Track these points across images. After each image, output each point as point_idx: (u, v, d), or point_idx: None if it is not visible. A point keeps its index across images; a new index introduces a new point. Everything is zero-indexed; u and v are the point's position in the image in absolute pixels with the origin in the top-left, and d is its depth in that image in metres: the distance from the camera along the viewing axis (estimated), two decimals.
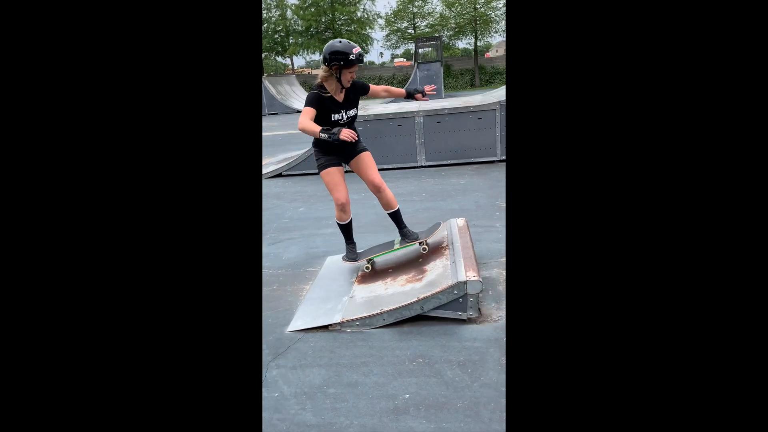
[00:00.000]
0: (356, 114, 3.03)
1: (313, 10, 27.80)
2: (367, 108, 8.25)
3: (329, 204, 5.22)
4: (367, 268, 3.21)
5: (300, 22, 28.63)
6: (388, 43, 32.41)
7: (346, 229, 3.24)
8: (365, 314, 2.57)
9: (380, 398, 1.95)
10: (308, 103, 2.87)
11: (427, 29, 29.45)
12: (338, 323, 2.56)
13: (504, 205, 4.55)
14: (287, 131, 13.26)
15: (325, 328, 2.56)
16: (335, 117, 2.90)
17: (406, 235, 3.19)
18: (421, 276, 2.84)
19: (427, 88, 3.19)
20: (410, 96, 3.18)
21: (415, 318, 2.53)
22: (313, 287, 3.11)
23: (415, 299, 2.52)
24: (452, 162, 6.73)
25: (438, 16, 29.51)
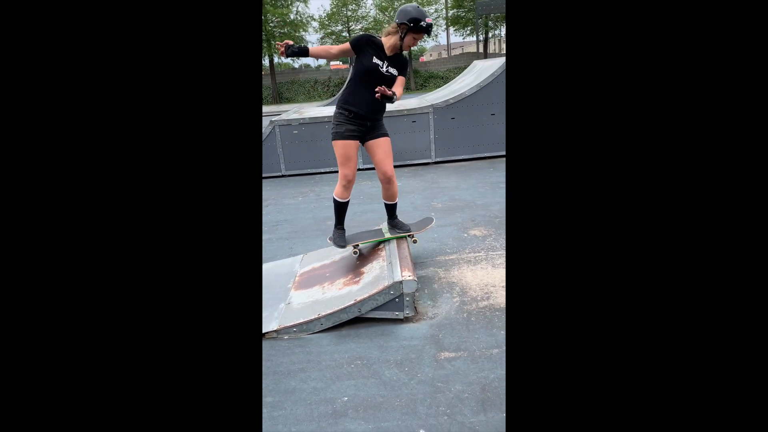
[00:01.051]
0: (393, 79, 2.80)
1: None
2: (302, 111, 8.16)
3: (265, 210, 5.12)
4: (354, 253, 3.16)
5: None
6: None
7: (341, 209, 3.05)
8: (303, 320, 2.54)
9: (318, 403, 1.94)
10: (351, 39, 2.76)
11: (361, 32, 29.60)
12: (275, 330, 2.52)
13: (439, 205, 4.68)
14: None
15: (262, 336, 2.51)
16: (377, 61, 2.72)
17: (396, 225, 3.16)
18: (358, 278, 2.86)
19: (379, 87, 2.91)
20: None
21: (353, 321, 2.54)
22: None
23: (353, 302, 2.53)
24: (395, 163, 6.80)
25: (372, 20, 29.76)
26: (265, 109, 21.24)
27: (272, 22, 28.01)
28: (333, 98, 21.59)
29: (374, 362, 2.19)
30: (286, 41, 2.68)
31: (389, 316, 2.54)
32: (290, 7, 28.42)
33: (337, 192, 3.01)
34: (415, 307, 2.60)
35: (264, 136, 6.64)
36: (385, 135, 2.98)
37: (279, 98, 27.94)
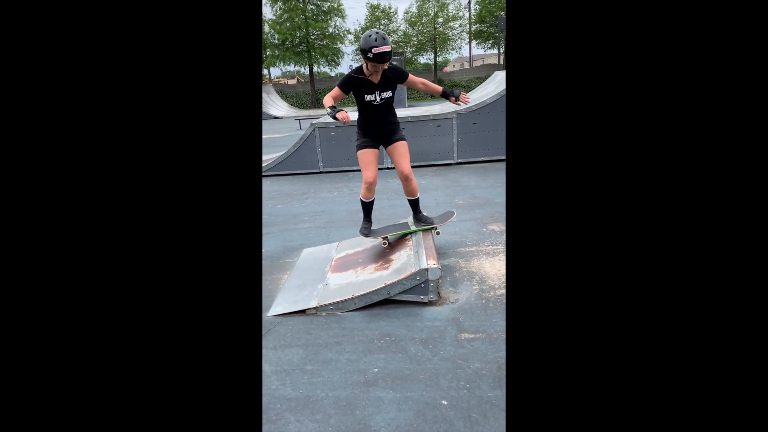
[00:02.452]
0: (391, 96, 2.87)
1: (288, 25, 27.32)
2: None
3: (305, 202, 5.19)
4: (384, 243, 3.19)
5: (276, 36, 28.10)
6: (357, 57, 32.29)
7: (367, 207, 3.17)
8: (338, 299, 2.58)
9: (352, 373, 1.97)
10: (338, 84, 2.83)
11: (392, 45, 29.49)
12: (314, 308, 2.56)
13: (460, 202, 4.64)
14: (265, 135, 13.02)
15: (303, 312, 2.56)
16: (369, 98, 2.81)
17: (421, 219, 3.20)
18: (387, 265, 2.88)
19: (463, 96, 2.98)
20: (445, 96, 2.96)
21: (382, 302, 2.56)
22: (291, 276, 3.10)
23: (383, 285, 2.56)
24: (414, 164, 6.78)
25: (402, 33, 29.60)
26: (304, 113, 21.44)
27: (313, 34, 28.16)
28: None
29: (401, 339, 2.21)
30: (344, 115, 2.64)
31: (415, 299, 2.55)
32: (329, 21, 28.50)
33: (362, 193, 3.12)
34: (439, 293, 2.60)
35: (305, 137, 6.72)
36: (401, 139, 3.03)
37: (317, 103, 28.14)
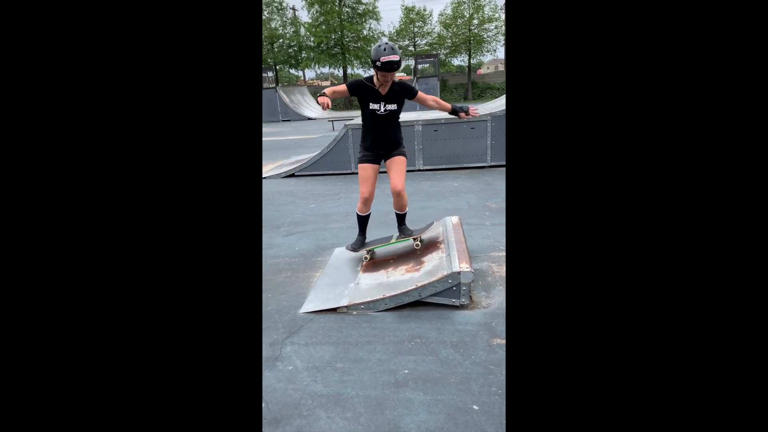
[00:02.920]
0: (396, 110, 2.89)
1: (324, 27, 27.75)
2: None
3: (337, 202, 5.25)
4: (365, 258, 3.22)
5: (312, 38, 28.59)
6: None
7: (362, 222, 3.21)
8: (369, 299, 2.59)
9: (382, 373, 1.97)
10: (347, 83, 2.87)
11: (426, 47, 29.41)
12: (345, 306, 2.58)
13: (493, 205, 4.57)
14: (299, 136, 13.26)
15: (334, 310, 2.58)
16: (373, 106, 2.83)
17: (403, 231, 3.24)
18: (419, 267, 2.86)
19: (472, 110, 3.04)
20: (455, 113, 3.02)
21: (413, 303, 2.55)
22: (323, 275, 3.13)
23: (414, 287, 2.55)
24: (447, 167, 6.74)
25: (436, 35, 29.48)
26: (338, 114, 21.70)
27: (348, 37, 28.48)
28: None
29: (432, 342, 2.19)
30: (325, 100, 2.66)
31: (447, 302, 2.53)
32: (364, 24, 28.75)
33: (358, 207, 3.14)
34: (471, 296, 2.57)
35: (338, 138, 6.79)
36: (401, 155, 3.05)
37: (350, 104, 28.40)
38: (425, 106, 3.02)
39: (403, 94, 2.87)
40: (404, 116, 7.70)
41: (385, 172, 3.09)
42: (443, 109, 3.05)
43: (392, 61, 2.63)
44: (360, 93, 2.82)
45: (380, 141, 2.97)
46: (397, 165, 3.02)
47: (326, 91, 2.75)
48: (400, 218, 3.23)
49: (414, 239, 3.20)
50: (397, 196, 3.06)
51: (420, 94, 2.95)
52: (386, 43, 2.68)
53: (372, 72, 2.81)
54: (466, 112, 3.02)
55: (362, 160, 3.02)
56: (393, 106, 2.86)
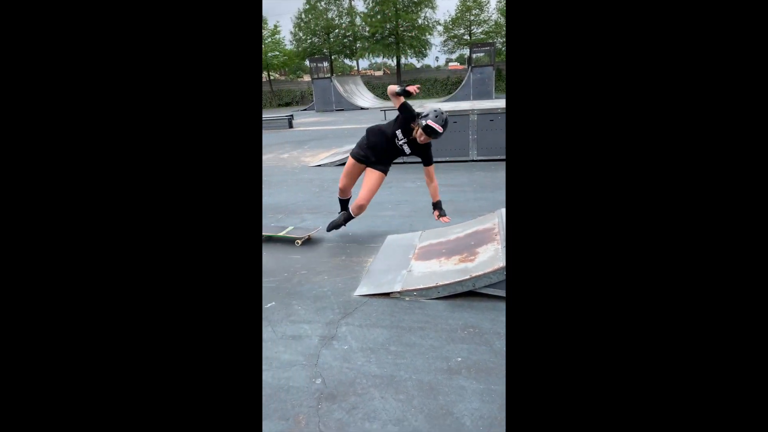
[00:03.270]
0: (405, 153, 3.22)
1: (379, 17, 27.72)
2: (426, 106, 8.17)
3: (389, 190, 5.28)
4: (297, 243, 3.58)
5: (367, 28, 28.66)
6: (445, 48, 31.83)
7: (342, 203, 3.65)
8: (422, 286, 2.60)
9: (435, 359, 1.98)
10: (405, 102, 3.14)
11: (482, 36, 28.60)
12: (398, 292, 2.61)
13: None
14: (352, 125, 13.43)
15: (387, 295, 2.62)
16: (399, 135, 3.18)
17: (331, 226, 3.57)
18: (473, 257, 2.83)
19: (441, 218, 3.25)
20: (434, 206, 3.26)
21: (466, 293, 2.53)
22: (375, 260, 3.18)
23: (468, 277, 2.52)
24: (501, 158, 6.56)
25: (493, 24, 28.55)
26: (389, 103, 21.64)
27: (402, 26, 28.26)
28: (451, 95, 21.29)
29: (486, 332, 2.17)
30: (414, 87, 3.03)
31: (501, 294, 2.48)
32: (419, 12, 28.39)
33: (338, 192, 3.59)
34: None
35: None
36: (382, 171, 3.33)
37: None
38: (425, 175, 3.27)
39: (421, 153, 3.17)
40: (458, 105, 7.52)
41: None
42: (431, 193, 3.26)
43: (434, 129, 2.98)
44: (406, 118, 3.11)
45: (379, 153, 3.29)
46: (372, 178, 3.30)
47: (390, 88, 3.10)
48: (348, 217, 3.50)
49: (297, 240, 3.56)
50: (358, 208, 3.34)
51: (430, 167, 3.22)
52: (443, 113, 3.01)
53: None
54: (439, 215, 3.22)
55: (354, 156, 3.35)
56: (407, 149, 3.21)
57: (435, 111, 3.02)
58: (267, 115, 16.92)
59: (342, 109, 20.41)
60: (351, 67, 36.39)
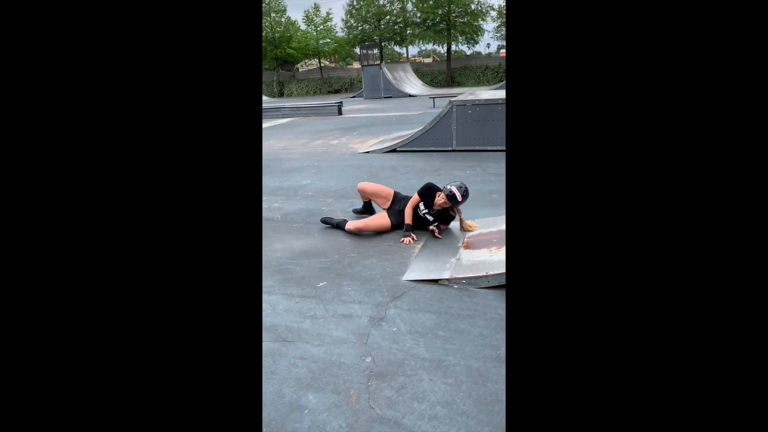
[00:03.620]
0: (434, 222, 3.41)
1: (431, 2, 27.19)
2: (477, 93, 7.99)
3: (437, 178, 5.24)
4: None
5: (419, 14, 28.23)
6: (498, 34, 30.78)
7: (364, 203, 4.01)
8: (471, 275, 2.58)
9: (484, 347, 1.97)
10: (419, 191, 3.47)
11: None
12: (447, 279, 2.61)
13: None
14: (401, 112, 13.37)
15: (435, 281, 2.63)
16: (423, 211, 3.43)
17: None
18: None
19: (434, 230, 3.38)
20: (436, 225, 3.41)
21: None
22: (424, 247, 3.19)
23: None
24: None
25: None
26: (438, 91, 21.36)
27: (455, 12, 27.58)
28: (502, 82, 20.60)
29: None
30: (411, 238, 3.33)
31: None
32: None
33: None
34: None
35: (442, 114, 6.72)
36: (392, 224, 3.53)
37: (451, 82, 27.77)
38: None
39: (444, 218, 3.43)
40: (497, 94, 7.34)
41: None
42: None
43: (455, 197, 3.31)
44: (427, 198, 3.43)
45: (398, 221, 3.52)
46: (380, 219, 3.55)
47: (407, 212, 3.45)
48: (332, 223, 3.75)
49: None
50: (355, 229, 3.50)
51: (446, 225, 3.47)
52: (465, 188, 3.37)
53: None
54: (434, 232, 3.36)
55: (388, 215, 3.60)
56: (430, 218, 3.43)
57: (458, 183, 3.41)
58: (317, 101, 17.20)
59: (390, 96, 20.34)
60: (400, 54, 36.11)
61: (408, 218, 3.38)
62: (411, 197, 3.51)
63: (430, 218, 3.40)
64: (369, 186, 3.81)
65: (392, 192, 3.69)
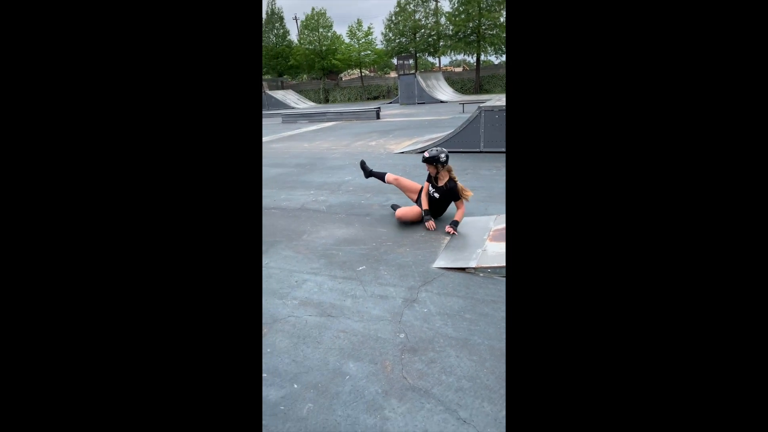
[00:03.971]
0: (442, 199, 3.43)
1: (463, 16, 26.61)
2: (504, 99, 7.77)
3: (465, 177, 5.17)
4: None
5: (451, 27, 27.71)
6: None
7: (377, 174, 4.01)
8: (496, 264, 2.55)
9: None
10: (428, 179, 3.49)
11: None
12: (473, 267, 2.58)
13: None
14: (432, 117, 13.23)
15: (462, 270, 2.61)
16: (432, 191, 3.46)
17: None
18: None
19: (449, 228, 3.24)
20: (451, 223, 3.28)
21: None
22: (452, 238, 3.16)
23: None
24: None
25: None
26: (468, 97, 20.94)
27: (485, 25, 26.86)
28: None
29: None
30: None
31: None
32: (501, 11, 26.71)
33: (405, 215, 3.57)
34: None
35: (471, 118, 6.60)
36: (421, 211, 3.49)
37: (480, 89, 27.14)
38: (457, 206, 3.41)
39: (449, 193, 3.39)
40: None
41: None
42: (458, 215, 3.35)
43: (425, 157, 3.39)
44: (429, 180, 3.50)
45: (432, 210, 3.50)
46: (412, 208, 3.51)
47: (422, 200, 3.48)
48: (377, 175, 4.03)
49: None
50: (391, 180, 3.79)
51: (459, 202, 3.37)
52: (438, 149, 3.40)
53: None
54: (452, 228, 3.23)
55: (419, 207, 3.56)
56: (436, 195, 3.44)
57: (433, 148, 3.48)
58: (358, 107, 17.28)
59: (423, 102, 20.15)
60: (433, 64, 35.63)
61: (424, 204, 3.42)
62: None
63: (437, 196, 3.42)
64: (397, 181, 3.82)
65: (419, 186, 3.71)
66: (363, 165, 4.08)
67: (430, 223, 3.31)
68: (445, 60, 36.56)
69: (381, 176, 3.92)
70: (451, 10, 27.41)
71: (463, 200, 3.36)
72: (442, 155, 3.36)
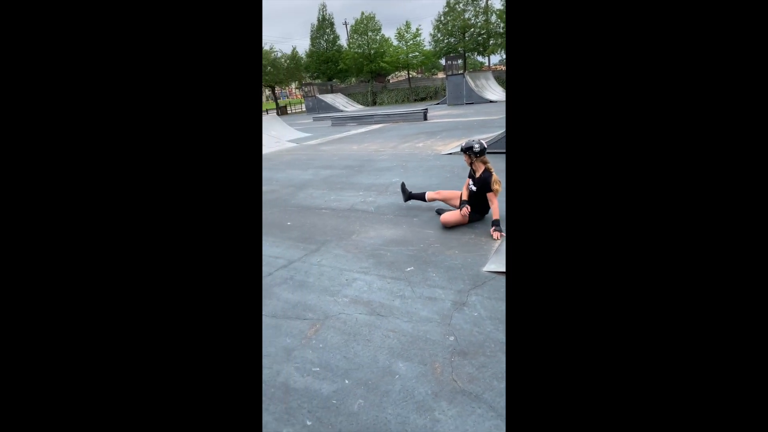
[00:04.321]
0: (479, 191, 3.33)
1: None
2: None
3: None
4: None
5: (502, 25, 26.94)
6: None
7: (417, 196, 3.97)
8: None
9: None
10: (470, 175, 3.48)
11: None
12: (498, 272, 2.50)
13: None
14: (481, 117, 12.94)
15: None
16: (470, 183, 3.44)
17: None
18: None
19: (495, 233, 3.12)
20: (493, 224, 3.17)
21: None
22: (502, 242, 3.08)
23: None
24: None
25: None
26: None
27: None
28: None
29: None
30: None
31: None
32: None
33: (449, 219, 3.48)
34: None
35: None
36: (466, 210, 3.37)
37: None
38: (489, 202, 3.29)
39: (482, 184, 3.30)
40: None
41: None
42: (493, 213, 3.23)
43: (463, 149, 3.37)
44: (471, 175, 3.45)
45: (473, 209, 3.42)
46: (455, 213, 3.43)
47: (463, 192, 3.47)
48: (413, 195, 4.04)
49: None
50: (431, 198, 3.79)
51: (491, 194, 3.24)
52: (474, 141, 3.34)
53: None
54: (496, 228, 3.13)
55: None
56: (474, 188, 3.38)
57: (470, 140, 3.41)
58: (405, 109, 17.33)
59: (472, 102, 19.76)
60: (482, 63, 34.81)
61: (464, 195, 3.45)
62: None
63: (474, 188, 3.38)
64: (438, 194, 3.80)
65: (459, 193, 3.67)
66: (403, 188, 4.04)
67: (464, 210, 3.29)
68: (494, 59, 35.58)
69: (421, 196, 3.86)
70: (502, 8, 26.66)
71: (495, 193, 3.23)
72: (476, 145, 3.27)
